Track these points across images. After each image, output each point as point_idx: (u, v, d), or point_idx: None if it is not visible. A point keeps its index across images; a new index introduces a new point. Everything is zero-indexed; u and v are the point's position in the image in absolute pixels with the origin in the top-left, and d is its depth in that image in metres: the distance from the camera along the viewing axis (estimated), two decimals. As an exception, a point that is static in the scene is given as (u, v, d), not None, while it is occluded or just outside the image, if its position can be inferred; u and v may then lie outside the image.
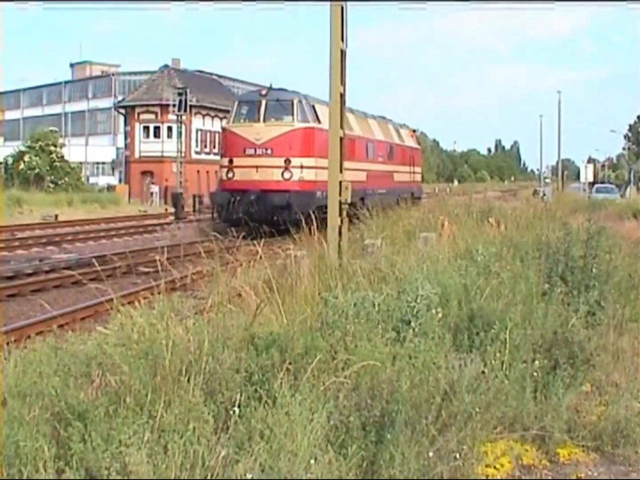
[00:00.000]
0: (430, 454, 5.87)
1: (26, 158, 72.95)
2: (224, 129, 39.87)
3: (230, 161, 36.86)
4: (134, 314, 6.97)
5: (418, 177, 61.05)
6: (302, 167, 35.30)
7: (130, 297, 11.80)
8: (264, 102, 36.41)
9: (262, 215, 30.79)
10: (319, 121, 36.93)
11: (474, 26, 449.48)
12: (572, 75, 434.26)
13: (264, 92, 37.22)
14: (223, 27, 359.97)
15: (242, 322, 7.71)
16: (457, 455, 6.08)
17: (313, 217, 13.58)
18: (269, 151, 35.55)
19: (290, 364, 6.48)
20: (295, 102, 36.36)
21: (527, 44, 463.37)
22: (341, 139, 15.24)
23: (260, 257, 11.37)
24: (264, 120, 36.15)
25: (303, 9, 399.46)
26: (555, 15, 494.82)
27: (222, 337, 6.85)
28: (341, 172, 15.10)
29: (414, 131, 67.23)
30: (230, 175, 36.78)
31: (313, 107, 37.61)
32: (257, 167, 35.77)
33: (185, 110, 57.11)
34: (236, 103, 39.23)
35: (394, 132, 54.71)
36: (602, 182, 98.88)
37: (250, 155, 36.03)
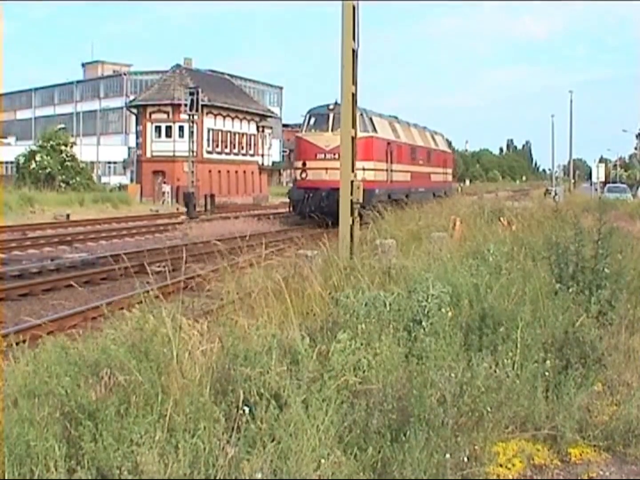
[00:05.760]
0: (442, 454, 5.86)
1: (37, 157, 73.10)
2: (297, 137, 47.31)
3: (304, 164, 43.94)
4: (145, 314, 6.97)
5: (449, 177, 70.67)
6: (364, 169, 39.60)
7: (141, 297, 11.80)
8: (331, 115, 42.59)
9: (331, 209, 33.57)
10: (375, 131, 45.10)
11: (484, 26, 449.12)
12: (584, 75, 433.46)
13: (331, 106, 42.75)
14: (235, 26, 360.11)
15: (253, 321, 7.71)
16: (469, 455, 6.08)
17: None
18: (336, 156, 39.60)
19: (299, 363, 6.47)
20: (357, 115, 41.24)
21: (538, 44, 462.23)
22: (353, 138, 15.18)
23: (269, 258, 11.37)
24: (332, 130, 41.58)
25: (315, 8, 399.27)
26: (567, 15, 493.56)
27: (232, 336, 6.84)
28: (353, 171, 15.06)
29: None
30: (304, 175, 43.82)
31: (371, 119, 44.90)
32: (326, 169, 41.39)
33: (197, 110, 57.34)
34: (307, 115, 45.94)
35: (431, 138, 63.14)
36: (614, 182, 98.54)
37: (321, 159, 42.65)
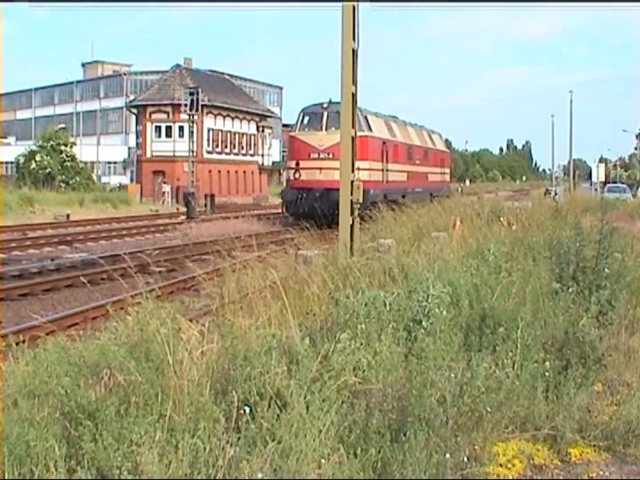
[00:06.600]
0: (442, 454, 5.86)
1: (37, 157, 73.10)
2: (291, 136, 46.20)
3: (297, 164, 43.20)
4: (145, 314, 6.96)
5: (447, 177, 69.06)
6: (358, 169, 39.34)
7: (142, 297, 11.79)
8: (325, 114, 42.22)
9: (325, 210, 33.56)
10: (370, 130, 43.50)
11: (484, 26, 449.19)
12: (584, 75, 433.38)
13: (325, 105, 42.47)
14: (235, 27, 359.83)
15: (252, 322, 7.70)
16: (469, 455, 6.07)
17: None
18: (330, 155, 39.65)
19: (299, 363, 6.46)
20: None
21: (538, 44, 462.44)
22: (353, 138, 15.16)
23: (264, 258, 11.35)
24: (326, 129, 41.70)
25: (315, 8, 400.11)
26: (567, 15, 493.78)
27: (232, 336, 6.84)
28: (353, 171, 15.05)
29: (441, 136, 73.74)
30: (297, 175, 43.10)
31: (366, 117, 43.08)
32: (320, 168, 41.30)
33: (197, 110, 57.33)
34: (301, 114, 44.76)
35: (428, 138, 61.64)
36: (614, 182, 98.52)
37: (314, 159, 41.97)
